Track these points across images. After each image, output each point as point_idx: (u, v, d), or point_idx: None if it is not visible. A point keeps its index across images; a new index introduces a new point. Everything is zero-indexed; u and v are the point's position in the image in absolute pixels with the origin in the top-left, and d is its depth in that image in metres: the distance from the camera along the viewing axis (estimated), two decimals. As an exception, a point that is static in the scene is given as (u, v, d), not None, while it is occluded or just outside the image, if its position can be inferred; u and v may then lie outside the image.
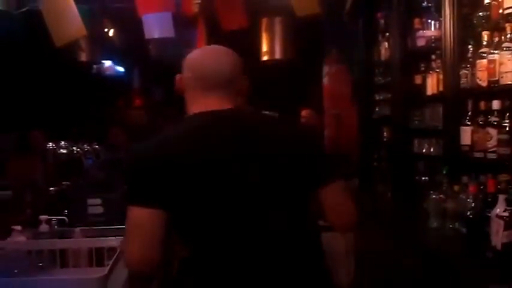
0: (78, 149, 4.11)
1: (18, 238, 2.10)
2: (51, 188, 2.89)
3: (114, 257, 1.83)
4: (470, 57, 2.56)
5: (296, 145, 1.43)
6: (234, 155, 1.37)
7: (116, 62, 6.74)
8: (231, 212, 1.35)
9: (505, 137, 2.25)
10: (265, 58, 5.63)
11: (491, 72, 2.32)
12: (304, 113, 3.08)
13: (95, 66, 5.86)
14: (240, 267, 1.35)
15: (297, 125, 1.56)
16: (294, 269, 1.39)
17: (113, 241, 2.01)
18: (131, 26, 4.46)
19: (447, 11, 2.70)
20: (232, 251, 1.36)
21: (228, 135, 1.39)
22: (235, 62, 1.51)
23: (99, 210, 2.64)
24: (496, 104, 2.33)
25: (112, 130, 4.70)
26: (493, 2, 2.40)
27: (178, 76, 1.53)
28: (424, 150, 3.14)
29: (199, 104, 1.46)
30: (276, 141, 1.42)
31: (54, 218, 2.29)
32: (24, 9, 3.82)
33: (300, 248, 1.41)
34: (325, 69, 5.02)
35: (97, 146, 4.44)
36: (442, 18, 2.77)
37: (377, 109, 4.06)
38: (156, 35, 4.13)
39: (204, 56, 1.52)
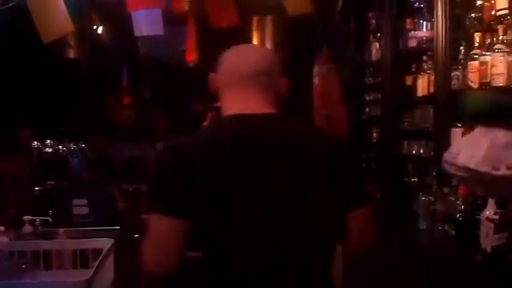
0: (64, 148, 4.04)
1: (1, 239, 2.05)
2: (36, 188, 2.83)
3: (99, 259, 1.79)
4: (461, 59, 2.55)
5: (332, 163, 1.32)
6: (265, 167, 1.28)
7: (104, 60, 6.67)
8: (252, 225, 1.28)
9: (495, 139, 2.24)
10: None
11: (482, 73, 2.31)
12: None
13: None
14: (251, 278, 1.29)
15: (334, 141, 1.40)
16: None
17: (98, 242, 1.97)
18: (120, 23, 4.40)
19: (439, 11, 2.70)
20: (246, 264, 1.29)
21: (261, 145, 1.29)
22: (274, 62, 1.43)
23: (85, 211, 2.60)
24: (487, 106, 2.32)
25: (91, 137, 4.64)
26: (486, 4, 2.39)
27: (212, 74, 1.44)
28: (413, 152, 3.13)
29: (235, 104, 1.38)
30: (311, 155, 1.31)
31: (38, 219, 2.24)
32: (10, 5, 3.75)
33: (311, 273, 1.32)
34: (316, 69, 5.00)
35: (84, 145, 4.38)
36: (434, 19, 2.77)
37: (367, 110, 4.05)
38: (145, 32, 4.08)
39: (241, 54, 1.44)
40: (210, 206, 1.26)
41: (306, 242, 1.31)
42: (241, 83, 1.38)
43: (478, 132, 1.74)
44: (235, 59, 1.41)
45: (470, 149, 1.70)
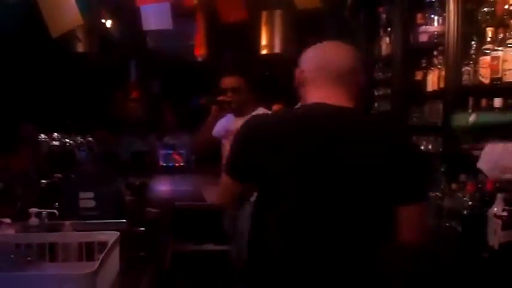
0: (71, 141, 4.05)
1: (7, 231, 2.05)
2: (43, 181, 2.84)
3: (105, 251, 1.79)
4: (473, 54, 2.51)
5: (392, 156, 1.40)
6: (325, 152, 1.39)
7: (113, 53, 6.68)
8: (306, 204, 1.41)
9: (506, 135, 2.21)
10: (264, 52, 5.57)
11: (494, 69, 2.28)
12: (275, 107, 3.03)
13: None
14: (298, 260, 1.41)
15: (400, 136, 1.50)
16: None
17: (103, 235, 1.96)
18: (129, 16, 4.40)
19: (451, 6, 2.66)
20: (294, 243, 1.42)
21: (333, 132, 1.41)
22: (356, 58, 1.53)
23: (91, 204, 2.59)
24: (497, 102, 2.30)
25: (98, 133, 4.65)
26: (498, -2, 2.35)
27: (298, 70, 1.56)
28: (422, 147, 3.10)
29: (315, 96, 1.50)
30: (373, 148, 1.40)
31: (44, 211, 2.23)
32: (19, -1, 3.77)
33: (361, 267, 1.41)
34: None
35: (91, 139, 4.39)
36: (445, 14, 2.73)
37: (376, 105, 4.01)
38: (153, 27, 4.08)
39: (330, 53, 1.54)
40: (271, 178, 1.44)
41: (355, 224, 1.40)
42: (329, 81, 1.50)
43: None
44: (324, 58, 1.52)
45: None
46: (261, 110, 2.92)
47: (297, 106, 1.61)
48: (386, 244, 1.44)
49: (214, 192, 1.81)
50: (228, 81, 3.00)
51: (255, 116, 1.59)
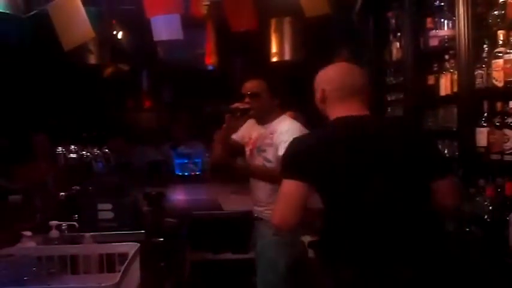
0: (88, 153, 4.08)
1: (28, 244, 2.08)
2: (61, 193, 2.87)
3: (126, 263, 1.80)
4: (485, 57, 2.51)
5: (419, 145, 1.81)
6: (368, 151, 1.74)
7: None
8: (361, 194, 1.71)
9: (522, 138, 2.21)
10: (274, 59, 5.59)
11: (507, 72, 2.28)
12: (289, 114, 3.01)
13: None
14: (363, 245, 1.70)
15: (417, 128, 2.04)
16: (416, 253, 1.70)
17: (123, 247, 1.98)
18: (140, 28, 4.44)
19: (460, 10, 2.66)
20: (355, 230, 1.72)
21: (365, 135, 1.76)
22: (364, 76, 1.93)
23: (110, 215, 2.61)
24: (513, 105, 2.28)
25: (112, 141, 4.66)
26: (509, 1, 2.35)
27: (320, 89, 1.90)
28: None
29: (340, 110, 1.85)
30: (403, 142, 1.78)
31: (64, 224, 2.26)
32: (32, 13, 3.81)
33: (421, 229, 1.73)
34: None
35: (107, 150, 4.41)
36: (455, 18, 2.73)
37: (389, 110, 4.01)
38: (164, 37, 4.11)
39: (348, 73, 1.90)
40: (324, 178, 1.74)
41: (407, 211, 1.72)
42: (351, 96, 1.85)
43: None
44: (345, 77, 1.88)
45: None
46: (287, 118, 2.83)
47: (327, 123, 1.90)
48: (431, 210, 1.77)
49: (276, 212, 1.80)
50: (247, 86, 2.82)
51: (298, 140, 1.91)
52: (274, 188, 2.71)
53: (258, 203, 2.82)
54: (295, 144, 1.87)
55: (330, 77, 1.91)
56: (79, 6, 3.61)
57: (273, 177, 2.49)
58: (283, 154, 1.93)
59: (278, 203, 1.79)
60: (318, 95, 1.91)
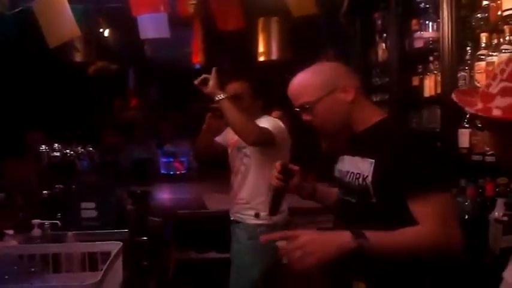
0: (72, 152, 4.05)
1: (10, 242, 2.06)
2: (44, 191, 2.85)
3: (108, 261, 1.80)
4: (468, 59, 2.54)
5: (400, 152, 1.50)
6: None
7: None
8: None
9: (503, 140, 2.23)
10: (261, 59, 5.59)
11: (489, 74, 2.30)
12: (274, 114, 3.00)
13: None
14: None
15: (409, 133, 1.83)
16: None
17: (106, 245, 1.97)
18: (126, 26, 4.42)
19: (445, 12, 2.68)
20: None
21: None
22: None
23: (93, 214, 2.60)
24: (494, 107, 2.31)
25: (106, 130, 4.65)
26: (492, 4, 2.38)
27: (345, 88, 1.62)
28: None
29: (373, 110, 1.69)
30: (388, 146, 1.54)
31: (47, 222, 2.25)
32: (17, 10, 3.78)
33: None
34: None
35: (91, 149, 4.39)
36: (440, 20, 2.75)
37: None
38: (150, 35, 4.09)
39: (346, 68, 1.73)
40: None
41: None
42: (363, 92, 1.68)
43: None
44: (355, 76, 1.71)
45: None
46: (264, 119, 2.81)
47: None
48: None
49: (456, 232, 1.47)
50: (230, 88, 2.81)
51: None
52: (257, 185, 2.73)
53: (239, 200, 2.83)
54: (438, 151, 1.72)
55: (349, 73, 1.68)
56: (64, 4, 3.59)
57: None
58: (434, 160, 1.55)
59: (451, 220, 1.45)
60: (343, 96, 1.61)
